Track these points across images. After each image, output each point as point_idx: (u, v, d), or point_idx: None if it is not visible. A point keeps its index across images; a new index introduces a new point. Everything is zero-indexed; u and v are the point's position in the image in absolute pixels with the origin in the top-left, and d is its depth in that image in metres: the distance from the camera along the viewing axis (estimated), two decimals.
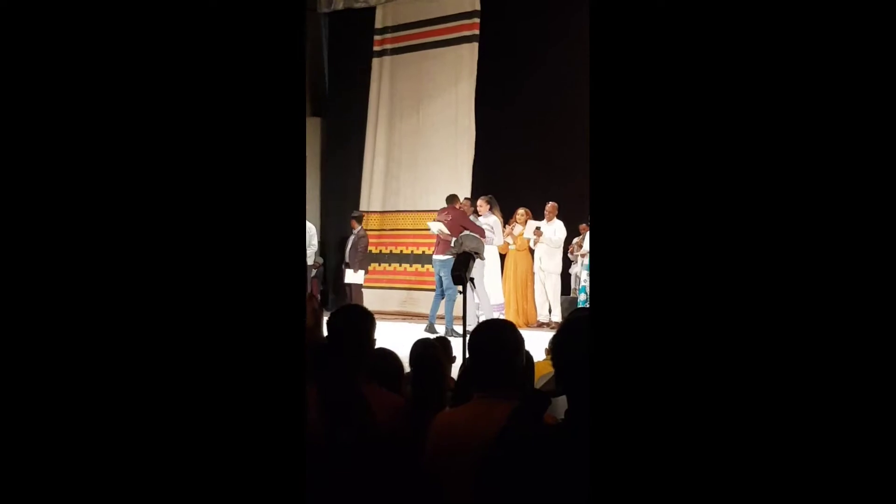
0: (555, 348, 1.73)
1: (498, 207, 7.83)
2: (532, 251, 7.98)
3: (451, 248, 6.91)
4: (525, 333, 2.49)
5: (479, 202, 7.80)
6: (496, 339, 2.12)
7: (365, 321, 2.26)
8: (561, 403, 1.84)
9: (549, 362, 3.53)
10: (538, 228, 7.85)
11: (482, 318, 7.06)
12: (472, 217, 7.69)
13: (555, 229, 7.89)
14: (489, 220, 7.67)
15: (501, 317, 7.17)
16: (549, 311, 7.94)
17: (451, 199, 7.73)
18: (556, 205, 7.95)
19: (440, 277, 7.46)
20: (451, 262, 7.28)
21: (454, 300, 7.20)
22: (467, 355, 2.19)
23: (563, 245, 7.99)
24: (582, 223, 8.06)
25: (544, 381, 2.55)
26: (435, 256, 7.61)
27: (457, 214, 7.46)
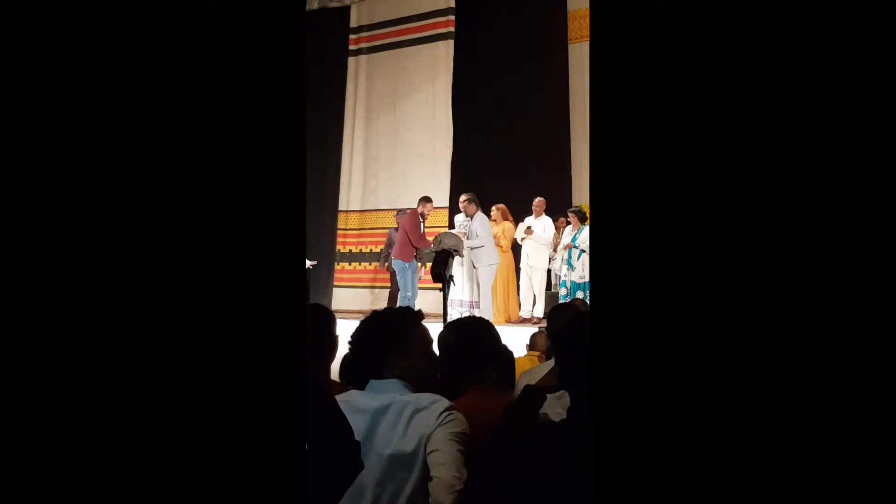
0: (557, 344, 1.73)
1: (479, 205, 7.79)
2: (518, 247, 7.98)
3: (431, 246, 6.90)
4: (508, 329, 2.50)
5: (462, 199, 7.71)
6: (486, 334, 2.13)
7: (326, 319, 2.25)
8: (551, 401, 1.85)
9: (530, 358, 3.56)
10: (529, 227, 7.85)
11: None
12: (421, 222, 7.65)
13: (544, 226, 7.89)
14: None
15: (478, 312, 7.18)
16: (534, 307, 7.95)
17: (420, 201, 7.74)
18: (543, 200, 7.94)
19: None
20: (404, 266, 7.43)
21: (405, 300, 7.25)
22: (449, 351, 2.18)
23: (551, 241, 7.99)
24: (560, 218, 8.07)
25: (536, 376, 2.55)
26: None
27: (407, 225, 7.47)
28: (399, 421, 1.65)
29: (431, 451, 1.60)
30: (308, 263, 9.30)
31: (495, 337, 2.17)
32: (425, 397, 1.70)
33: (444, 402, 1.67)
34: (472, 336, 2.10)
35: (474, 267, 7.37)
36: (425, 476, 1.61)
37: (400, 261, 7.55)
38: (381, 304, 9.14)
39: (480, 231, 7.34)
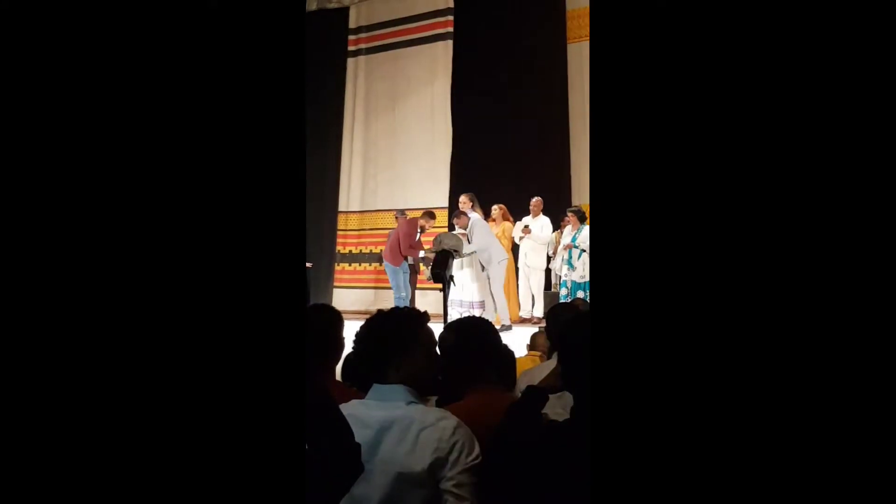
0: (561, 344, 1.72)
1: (479, 205, 7.80)
2: (516, 247, 7.96)
3: (432, 247, 6.90)
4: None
5: (463, 200, 7.74)
6: (487, 334, 2.13)
7: (334, 321, 2.23)
8: (552, 401, 1.85)
9: (531, 358, 3.55)
10: (527, 227, 7.83)
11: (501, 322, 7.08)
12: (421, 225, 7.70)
13: (542, 226, 7.87)
14: (471, 217, 7.63)
15: (483, 314, 7.18)
16: (532, 306, 7.94)
17: (424, 214, 7.84)
18: (541, 200, 7.92)
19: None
20: (395, 269, 7.49)
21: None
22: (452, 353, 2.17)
23: (549, 241, 7.97)
24: (562, 218, 8.05)
25: (537, 376, 2.55)
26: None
27: (402, 231, 7.50)
28: (405, 438, 1.62)
29: (456, 497, 1.58)
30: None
31: (496, 337, 2.17)
32: (431, 413, 1.67)
33: (452, 420, 1.64)
34: (473, 336, 2.09)
35: (483, 268, 7.36)
36: (435, 496, 1.59)
37: (391, 264, 7.60)
38: (383, 304, 9.15)
39: (477, 236, 7.29)
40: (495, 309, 7.32)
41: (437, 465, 1.59)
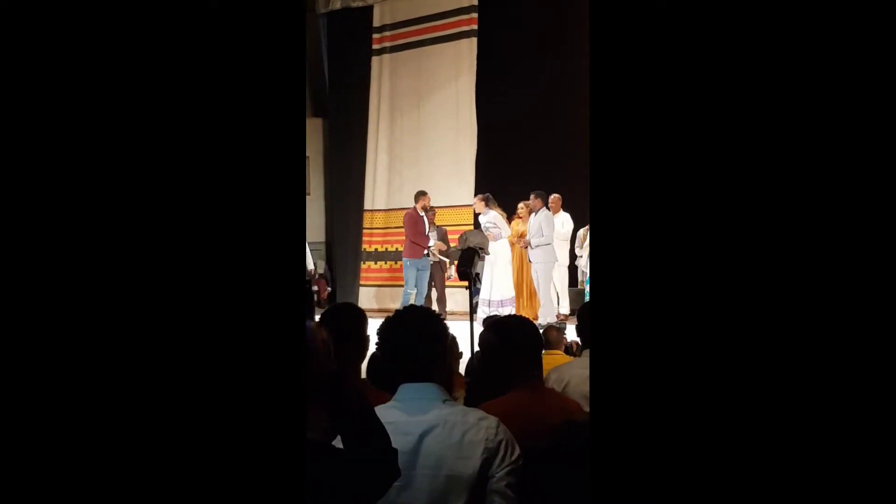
0: None
1: (495, 202, 7.77)
2: None
3: (457, 244, 6.91)
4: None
5: (476, 201, 7.76)
6: (531, 333, 2.12)
7: (358, 319, 2.24)
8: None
9: (557, 355, 3.53)
10: None
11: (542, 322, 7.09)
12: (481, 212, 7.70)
13: (562, 222, 7.84)
14: (489, 217, 7.63)
15: (512, 311, 7.16)
16: (557, 303, 7.92)
17: (417, 196, 7.93)
18: (560, 196, 7.90)
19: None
20: (408, 264, 7.53)
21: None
22: (477, 351, 2.17)
23: (570, 237, 7.94)
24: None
25: (566, 373, 2.54)
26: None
27: (405, 225, 7.65)
28: (449, 441, 1.60)
29: (506, 498, 1.58)
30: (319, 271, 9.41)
31: (539, 336, 2.17)
32: (470, 413, 1.67)
33: (492, 420, 1.64)
34: (519, 335, 2.09)
35: (529, 261, 7.37)
36: (480, 498, 1.59)
37: (408, 259, 7.65)
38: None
39: (546, 228, 7.29)
40: (541, 305, 7.33)
41: (487, 465, 1.59)
